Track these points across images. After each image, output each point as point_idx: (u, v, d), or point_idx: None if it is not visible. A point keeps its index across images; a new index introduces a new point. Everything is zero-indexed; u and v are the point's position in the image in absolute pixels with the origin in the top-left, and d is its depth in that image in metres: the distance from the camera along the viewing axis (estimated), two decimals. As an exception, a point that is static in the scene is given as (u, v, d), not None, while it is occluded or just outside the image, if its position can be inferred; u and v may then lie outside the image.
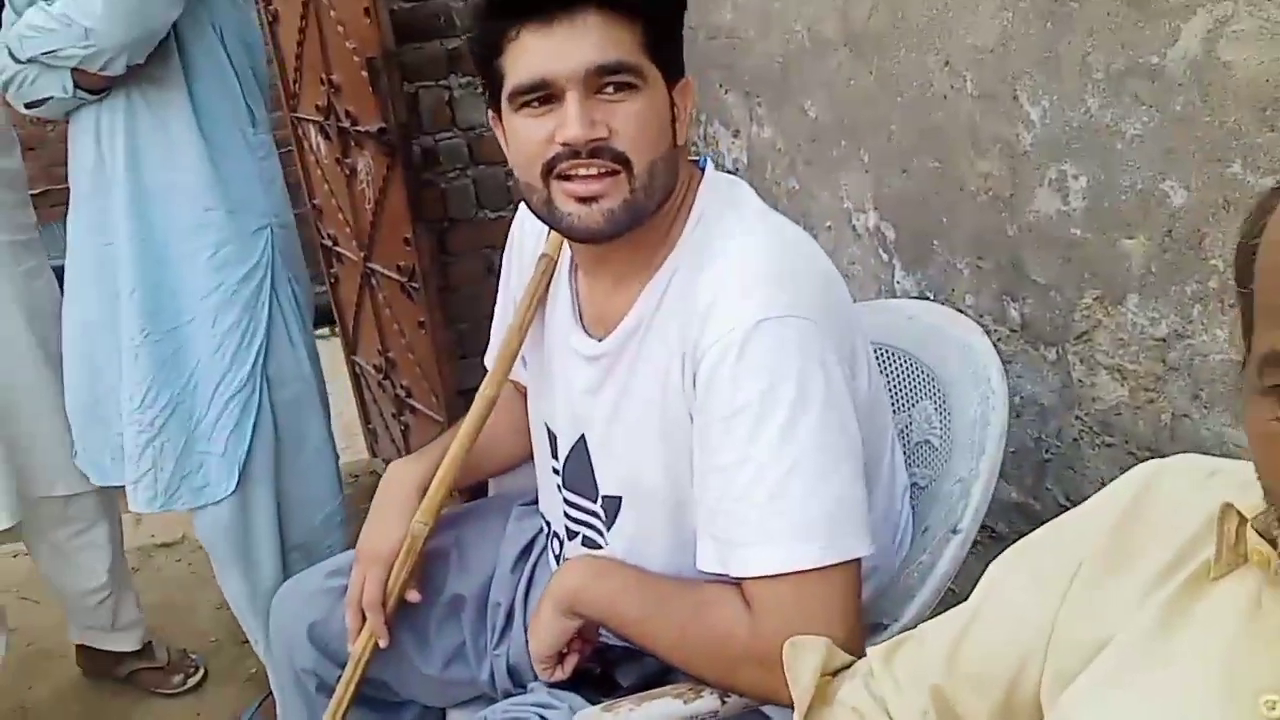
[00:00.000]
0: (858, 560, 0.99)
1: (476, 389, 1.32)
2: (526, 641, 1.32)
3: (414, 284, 2.27)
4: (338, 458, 1.96)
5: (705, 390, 1.02)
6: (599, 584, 1.12)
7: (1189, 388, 1.18)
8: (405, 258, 2.25)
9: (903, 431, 1.28)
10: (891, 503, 1.15)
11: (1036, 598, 0.76)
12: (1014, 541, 0.85)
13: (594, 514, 1.22)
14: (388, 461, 2.83)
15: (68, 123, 1.71)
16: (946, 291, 1.52)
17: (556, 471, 1.28)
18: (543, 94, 1.01)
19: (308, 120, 2.53)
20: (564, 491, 1.25)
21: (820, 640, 0.91)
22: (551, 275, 1.25)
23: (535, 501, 1.43)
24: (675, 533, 1.13)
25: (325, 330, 3.54)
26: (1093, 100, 1.21)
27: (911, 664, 0.85)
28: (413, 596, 1.30)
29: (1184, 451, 0.83)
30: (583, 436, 1.20)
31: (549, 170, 1.03)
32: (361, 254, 2.46)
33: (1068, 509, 1.39)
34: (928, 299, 1.55)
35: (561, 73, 0.99)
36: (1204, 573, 0.67)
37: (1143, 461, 0.80)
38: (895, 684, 0.85)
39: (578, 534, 1.24)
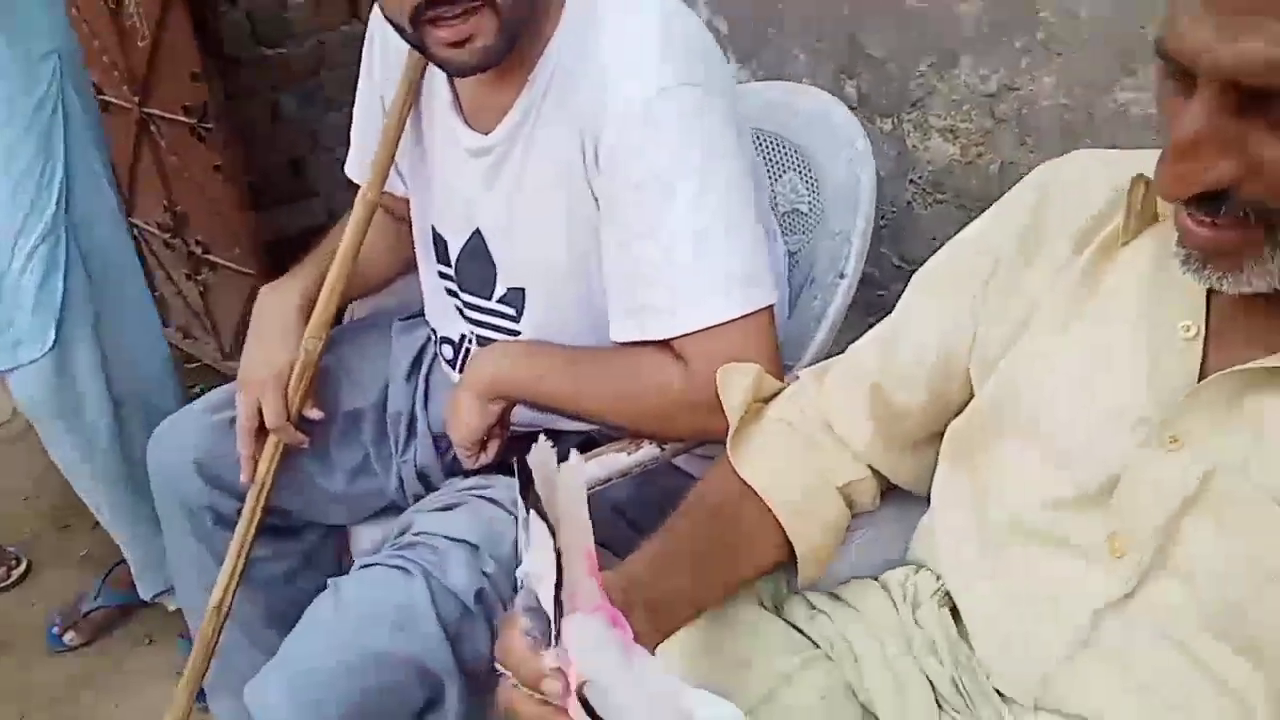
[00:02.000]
0: (770, 306, 1.07)
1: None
2: (434, 442, 1.35)
3: (205, 124, 2.10)
4: (165, 304, 1.84)
5: (610, 163, 1.05)
6: (521, 366, 1.15)
7: (1017, 136, 1.34)
8: (193, 96, 2.08)
9: (771, 203, 1.36)
10: (775, 258, 1.24)
11: (959, 296, 0.86)
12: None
13: (495, 311, 1.24)
14: (181, 329, 2.68)
15: None
16: (784, 77, 1.60)
17: (446, 276, 1.28)
18: None
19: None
20: (462, 294, 1.26)
21: (751, 366, 0.98)
22: (424, 70, 1.22)
23: (413, 316, 1.43)
24: (587, 312, 1.17)
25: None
26: None
27: (845, 375, 0.94)
28: (314, 414, 1.28)
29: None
30: (477, 231, 1.21)
31: (416, 17, 1.01)
32: (136, 99, 2.24)
33: (902, 269, 1.55)
34: (765, 86, 1.62)
35: None
36: (1113, 239, 0.79)
37: (973, 216, 0.91)
38: (825, 393, 0.94)
39: (482, 335, 1.26)
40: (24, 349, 1.56)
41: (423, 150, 1.25)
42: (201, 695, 1.43)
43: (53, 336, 1.58)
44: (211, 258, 2.39)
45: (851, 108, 1.52)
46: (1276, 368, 0.67)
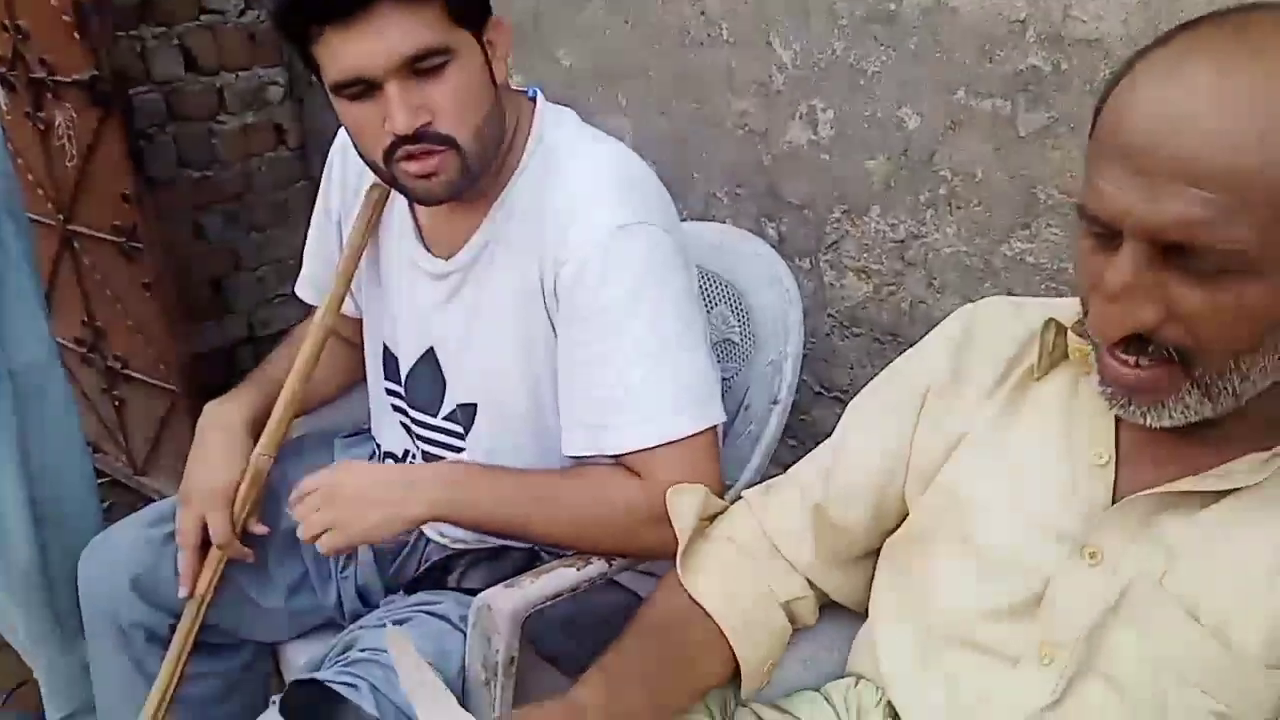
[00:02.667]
0: (716, 426, 1.15)
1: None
2: (375, 560, 1.37)
3: (135, 244, 2.12)
4: (80, 418, 1.82)
5: (570, 295, 1.13)
6: (471, 492, 1.16)
7: (924, 278, 1.47)
8: (122, 216, 2.10)
9: (703, 333, 1.46)
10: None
11: (894, 421, 0.96)
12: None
13: (441, 429, 1.29)
14: (92, 445, 2.62)
15: None
16: (709, 219, 1.72)
17: (394, 393, 1.33)
18: (362, 86, 1.06)
19: (-22, 71, 2.27)
20: (412, 411, 1.31)
21: (699, 487, 1.06)
22: (384, 203, 1.30)
23: (359, 433, 1.47)
24: (535, 431, 1.23)
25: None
26: (838, 43, 1.46)
27: (788, 495, 1.02)
28: (260, 529, 1.29)
29: (922, 334, 1.03)
30: (430, 350, 1.27)
31: (389, 156, 1.10)
32: (60, 217, 2.25)
33: (822, 395, 1.66)
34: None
35: (373, 68, 1.04)
36: (1028, 375, 0.89)
37: (886, 347, 1.02)
38: (768, 512, 1.01)
39: (428, 451, 1.30)
40: None
41: (378, 273, 1.32)
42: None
43: None
44: (129, 373, 2.37)
45: (772, 246, 1.65)
46: (1187, 492, 0.76)
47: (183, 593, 1.28)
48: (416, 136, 1.07)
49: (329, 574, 1.38)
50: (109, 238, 2.17)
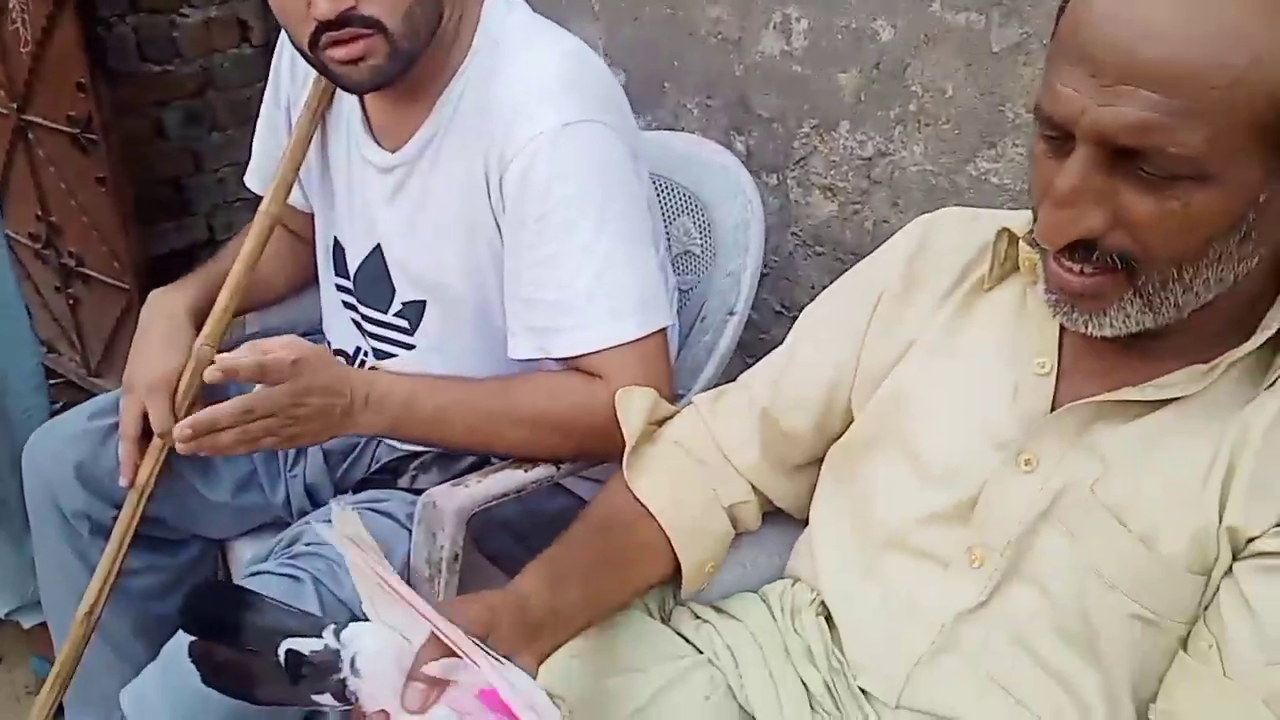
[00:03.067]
0: (664, 330, 1.14)
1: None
2: (324, 459, 1.36)
3: (89, 135, 2.06)
4: (31, 316, 1.79)
5: (516, 194, 1.11)
6: (419, 406, 1.14)
7: (889, 197, 1.46)
8: (77, 106, 2.04)
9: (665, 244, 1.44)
10: (669, 290, 1.32)
11: (845, 326, 0.95)
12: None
13: (391, 325, 1.27)
14: (46, 344, 2.58)
15: None
16: (678, 130, 1.69)
17: (344, 289, 1.31)
18: None
19: (-78, -52, 2.17)
20: (360, 308, 1.29)
21: (648, 391, 1.05)
22: (334, 93, 1.26)
23: (311, 333, 1.44)
24: (480, 330, 1.21)
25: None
26: (816, -49, 1.42)
27: (737, 401, 1.02)
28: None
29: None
30: (378, 246, 1.24)
31: (314, 42, 1.05)
32: (14, 104, 2.18)
33: (782, 315, 1.65)
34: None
35: None
36: (979, 285, 0.89)
37: (848, 267, 1.01)
38: (717, 417, 1.01)
39: (378, 349, 1.29)
40: None
41: (326, 164, 1.29)
42: (59, 713, 1.39)
43: None
44: (85, 271, 2.32)
45: (740, 161, 1.62)
46: (1119, 401, 0.77)
47: (123, 482, 1.26)
48: (340, 21, 1.03)
49: (277, 472, 1.37)
50: (63, 129, 2.10)
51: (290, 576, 1.10)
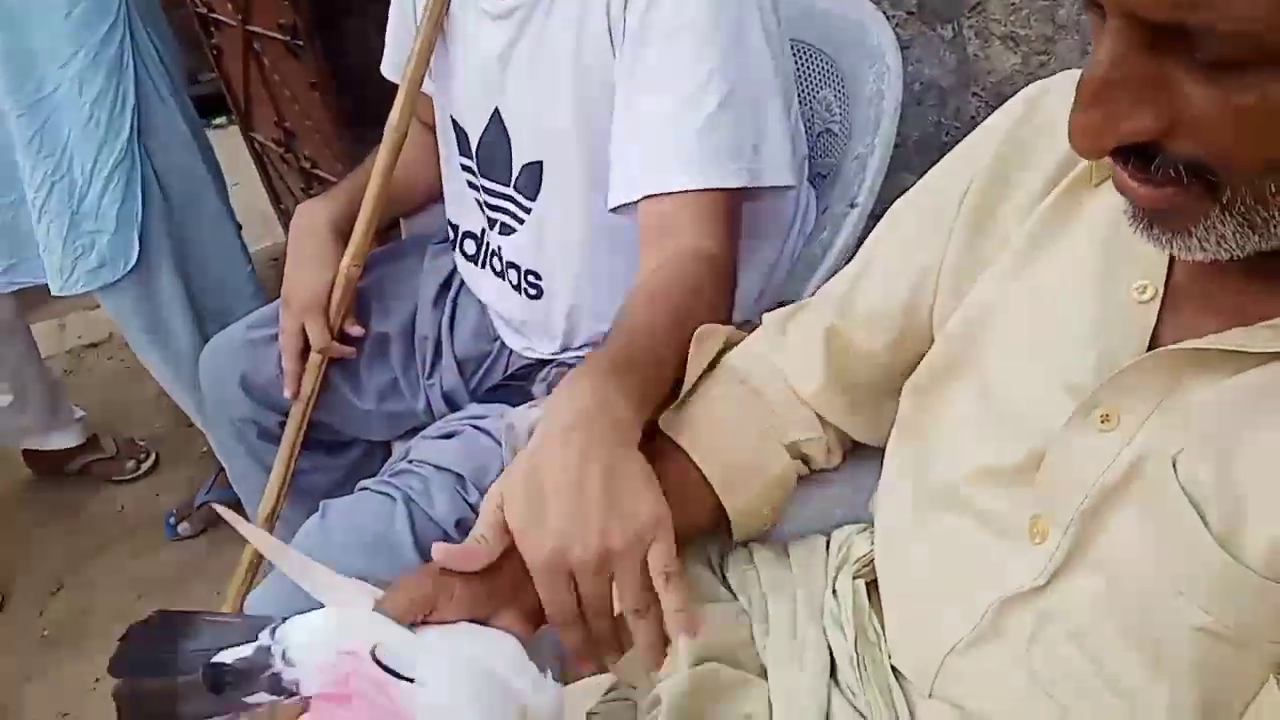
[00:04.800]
0: (742, 189, 1.00)
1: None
2: (459, 366, 1.36)
3: (298, 41, 2.15)
4: (239, 226, 1.92)
5: (643, 14, 1.00)
6: (620, 379, 0.80)
7: (1078, 44, 1.19)
8: (285, 14, 2.12)
9: (808, 121, 1.28)
10: (799, 181, 1.16)
11: (927, 228, 0.78)
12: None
13: (509, 196, 1.21)
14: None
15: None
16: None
17: (468, 169, 1.26)
18: None
19: None
20: (480, 181, 1.24)
21: (721, 330, 0.90)
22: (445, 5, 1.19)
23: (447, 239, 1.43)
24: (593, 190, 1.12)
25: (221, 120, 3.38)
26: None
27: (805, 319, 0.87)
28: (355, 330, 1.32)
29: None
30: (496, 110, 1.18)
31: None
32: (239, 16, 2.31)
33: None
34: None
35: None
36: (1085, 178, 0.69)
37: None
38: (784, 338, 0.87)
39: (501, 222, 1.24)
40: (107, 269, 1.66)
41: (444, 36, 1.23)
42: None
43: (135, 255, 1.68)
44: (319, 172, 2.46)
45: (910, 13, 1.40)
46: (1230, 350, 0.57)
47: (288, 394, 1.34)
48: None
49: (416, 380, 1.39)
50: (278, 36, 2.20)
51: (385, 495, 1.12)
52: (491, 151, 1.21)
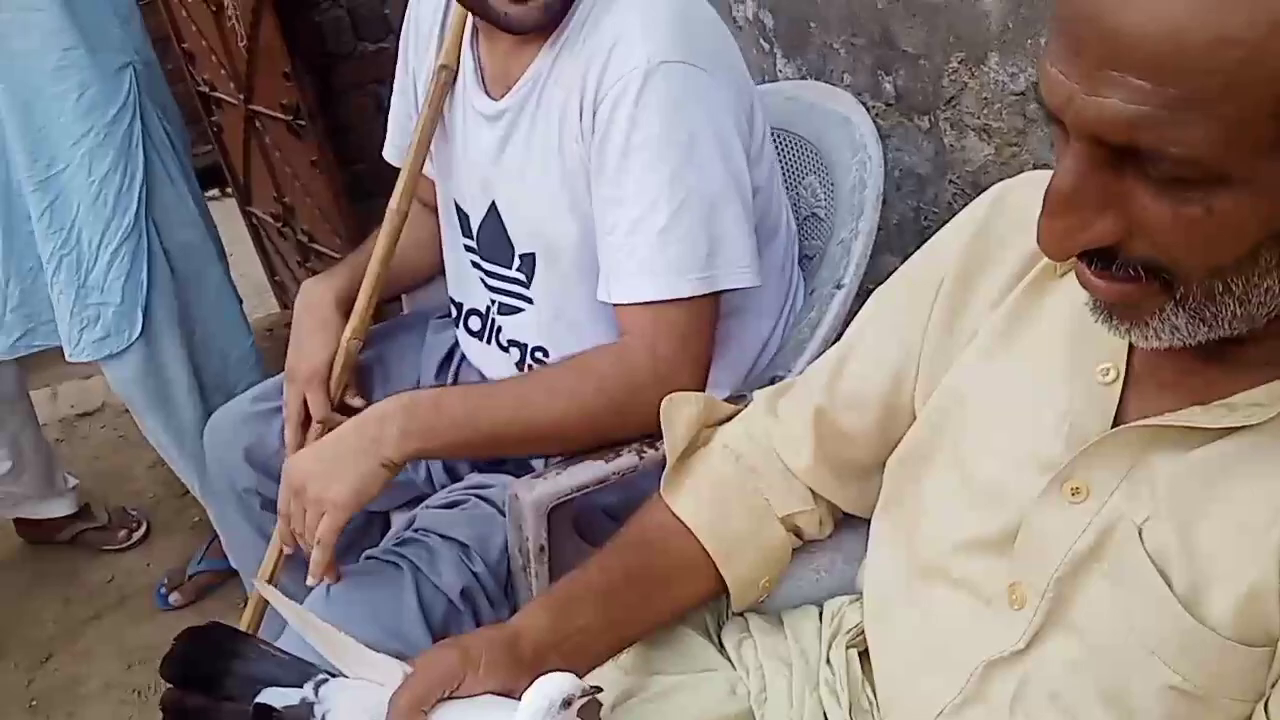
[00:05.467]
0: (717, 294, 1.09)
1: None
2: None
3: (300, 121, 2.23)
4: (240, 300, 1.97)
5: (605, 128, 1.07)
6: (435, 412, 1.10)
7: (1048, 136, 1.27)
8: (288, 94, 2.21)
9: (794, 206, 1.35)
10: (786, 265, 1.23)
11: (906, 317, 0.84)
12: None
13: (512, 279, 1.27)
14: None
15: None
16: (825, 74, 1.57)
17: (470, 249, 1.32)
18: None
19: (164, -42, 2.42)
20: (484, 264, 1.30)
21: (699, 396, 0.97)
22: (452, 85, 1.26)
23: (448, 314, 1.49)
24: (587, 280, 1.18)
25: (215, 191, 3.45)
26: None
27: (795, 398, 0.93)
28: (357, 401, 1.35)
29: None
30: (493, 203, 1.25)
31: None
32: (241, 96, 2.39)
33: (948, 268, 1.49)
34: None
35: None
36: (1050, 270, 0.75)
37: None
38: (776, 416, 0.93)
39: (503, 303, 1.29)
40: (112, 340, 1.71)
41: (445, 129, 1.30)
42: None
43: (139, 327, 1.73)
44: (316, 246, 2.53)
45: (889, 104, 1.48)
46: (1189, 426, 0.63)
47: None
48: None
49: (418, 451, 1.43)
50: (279, 116, 2.28)
51: (392, 564, 1.15)
52: (492, 238, 1.27)
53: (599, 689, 0.73)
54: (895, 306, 0.87)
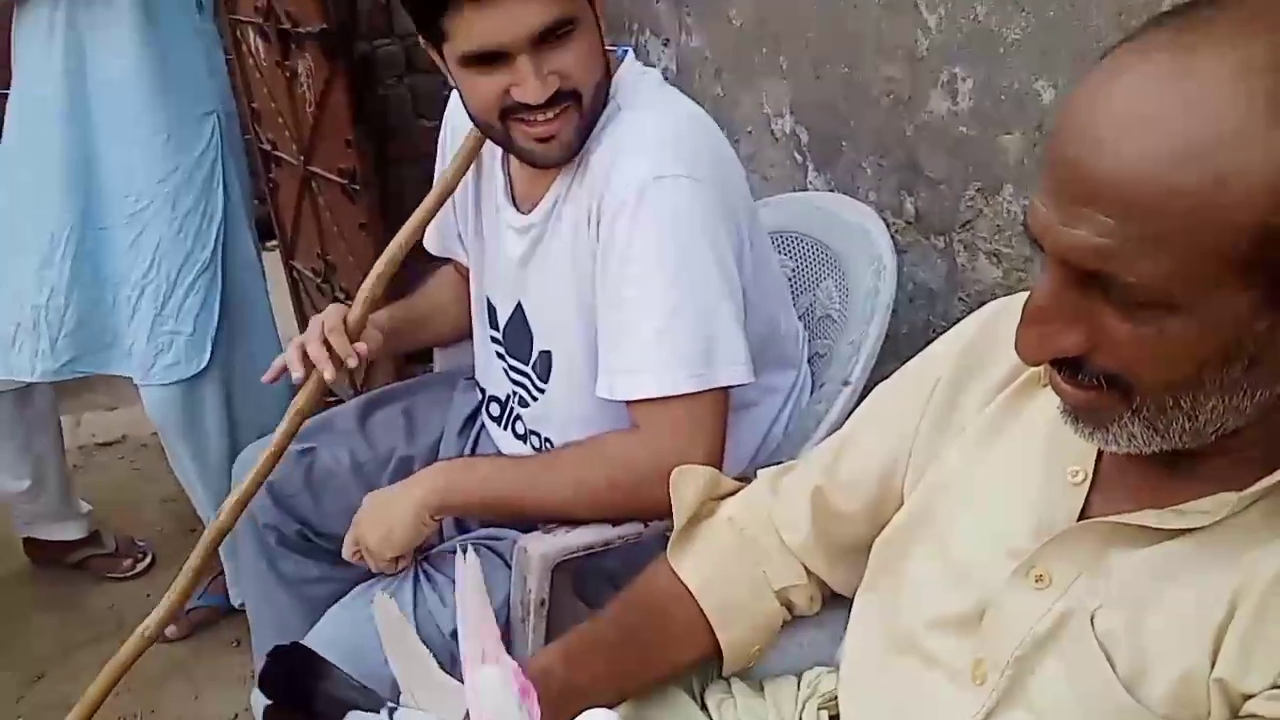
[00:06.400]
0: (726, 391, 1.16)
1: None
2: None
3: (355, 186, 2.34)
4: (281, 348, 2.06)
5: (608, 239, 1.17)
6: (466, 475, 1.26)
7: (1053, 266, 1.36)
8: (346, 160, 2.33)
9: (810, 307, 1.43)
10: (794, 362, 1.31)
11: (902, 412, 0.92)
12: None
13: (526, 374, 1.36)
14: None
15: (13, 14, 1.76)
16: (853, 189, 1.67)
17: (496, 340, 1.41)
18: (493, 57, 1.10)
19: (246, 22, 2.56)
20: (508, 358, 1.39)
21: (707, 469, 1.05)
22: (479, 148, 1.36)
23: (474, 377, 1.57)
24: (595, 372, 1.25)
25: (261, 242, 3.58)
26: (980, 7, 1.36)
27: (796, 478, 1.00)
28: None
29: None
30: (519, 304, 1.34)
31: (505, 114, 1.14)
32: (301, 158, 2.52)
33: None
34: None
35: (509, 42, 1.08)
36: (1035, 379, 0.83)
37: None
38: (777, 494, 1.00)
39: (520, 395, 1.38)
40: (181, 367, 1.81)
41: (480, 228, 1.40)
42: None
43: (207, 358, 1.82)
44: (351, 304, 2.63)
45: (909, 223, 1.58)
46: (1143, 527, 0.69)
47: (296, 375, 1.37)
48: (546, 102, 1.11)
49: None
50: (336, 179, 2.40)
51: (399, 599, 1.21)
52: (516, 334, 1.37)
53: None
54: (893, 403, 0.95)
